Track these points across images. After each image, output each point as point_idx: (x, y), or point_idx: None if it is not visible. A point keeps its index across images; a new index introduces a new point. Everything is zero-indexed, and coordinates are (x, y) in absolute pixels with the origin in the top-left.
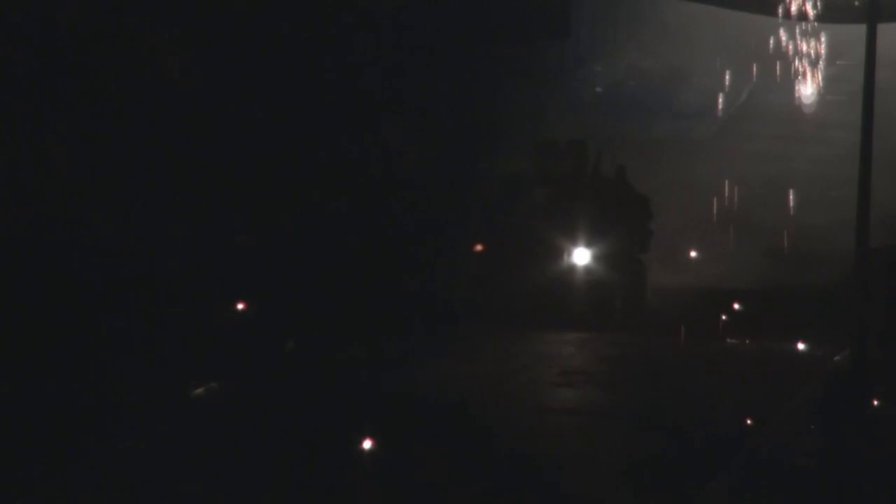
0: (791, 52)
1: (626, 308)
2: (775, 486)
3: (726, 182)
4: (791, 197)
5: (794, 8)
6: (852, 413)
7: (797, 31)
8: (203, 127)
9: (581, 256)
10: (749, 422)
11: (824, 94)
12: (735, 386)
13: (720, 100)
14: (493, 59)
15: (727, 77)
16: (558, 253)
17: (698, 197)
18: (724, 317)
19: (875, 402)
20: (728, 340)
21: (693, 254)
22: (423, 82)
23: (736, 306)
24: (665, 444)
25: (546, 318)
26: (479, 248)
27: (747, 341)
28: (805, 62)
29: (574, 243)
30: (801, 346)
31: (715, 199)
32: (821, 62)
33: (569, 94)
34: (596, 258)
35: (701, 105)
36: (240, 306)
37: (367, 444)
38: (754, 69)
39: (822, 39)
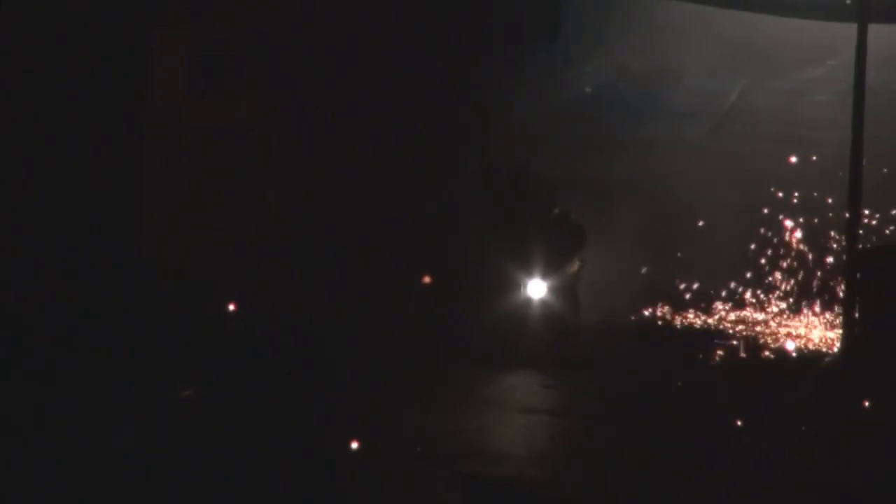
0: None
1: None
2: (766, 487)
3: (703, 184)
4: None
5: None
6: (844, 413)
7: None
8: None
9: (532, 290)
10: (739, 423)
11: (814, 94)
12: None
13: (710, 100)
14: (481, 61)
15: (718, 77)
16: (506, 287)
17: (671, 199)
18: None
19: (865, 403)
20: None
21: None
22: (406, 87)
23: None
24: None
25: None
26: (426, 280)
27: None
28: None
29: (524, 276)
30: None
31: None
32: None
33: (557, 96)
34: (545, 291)
35: (691, 105)
36: None
37: None
38: (745, 69)
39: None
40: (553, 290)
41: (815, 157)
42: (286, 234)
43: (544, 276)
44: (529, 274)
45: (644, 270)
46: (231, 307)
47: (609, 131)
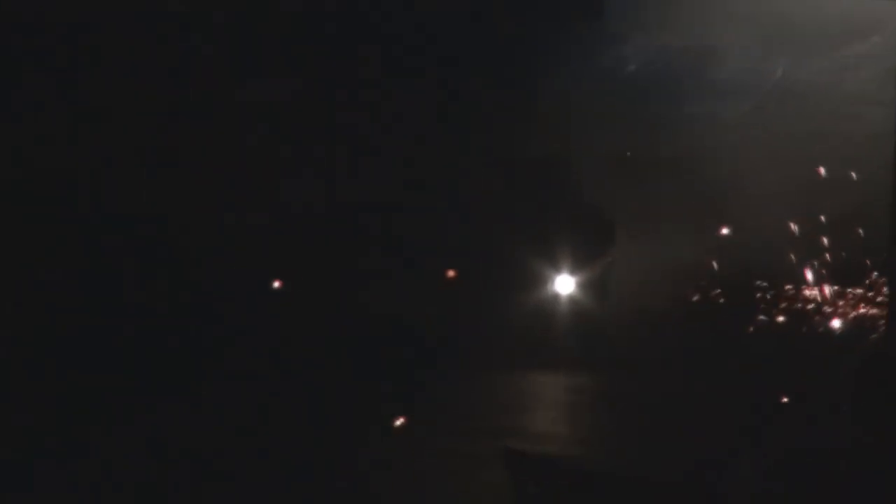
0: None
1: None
2: (807, 469)
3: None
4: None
5: None
6: (888, 395)
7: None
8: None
9: (560, 285)
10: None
11: (859, 70)
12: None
13: (753, 77)
14: (524, 41)
15: (761, 54)
16: (532, 283)
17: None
18: None
19: None
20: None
21: None
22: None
23: None
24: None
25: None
26: (448, 274)
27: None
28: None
29: (551, 271)
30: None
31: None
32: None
33: (601, 75)
34: (574, 287)
35: (734, 83)
36: None
37: None
38: (788, 46)
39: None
40: (582, 286)
41: (859, 135)
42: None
43: (573, 271)
44: (557, 269)
45: (688, 251)
46: (277, 284)
47: (652, 109)
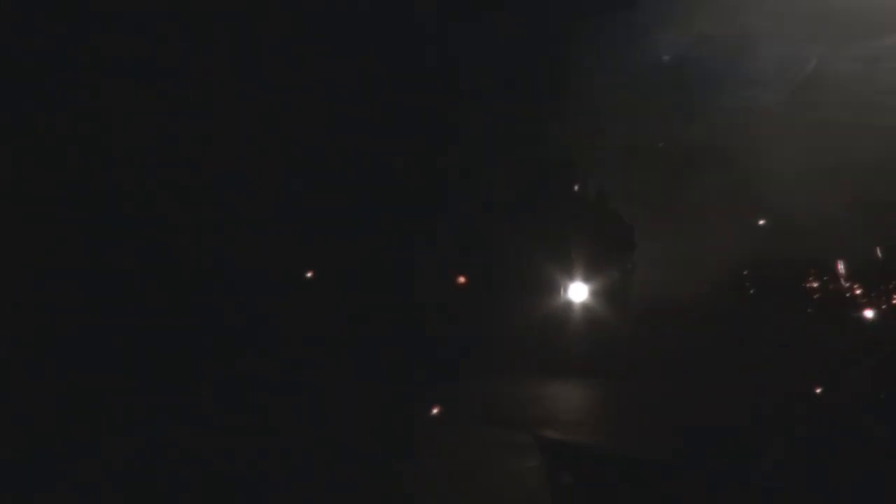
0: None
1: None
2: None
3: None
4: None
5: None
6: None
7: None
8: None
9: (573, 293)
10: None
11: (892, 60)
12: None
13: (788, 67)
14: (558, 32)
15: (795, 44)
16: (544, 290)
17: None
18: None
19: None
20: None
21: None
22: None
23: None
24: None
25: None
26: (459, 281)
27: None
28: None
29: (565, 278)
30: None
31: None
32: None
33: (634, 65)
34: (588, 295)
35: (769, 72)
36: None
37: None
38: (823, 35)
39: None
40: (597, 294)
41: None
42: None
43: (587, 278)
44: (570, 276)
45: (725, 241)
46: (309, 275)
47: (686, 99)
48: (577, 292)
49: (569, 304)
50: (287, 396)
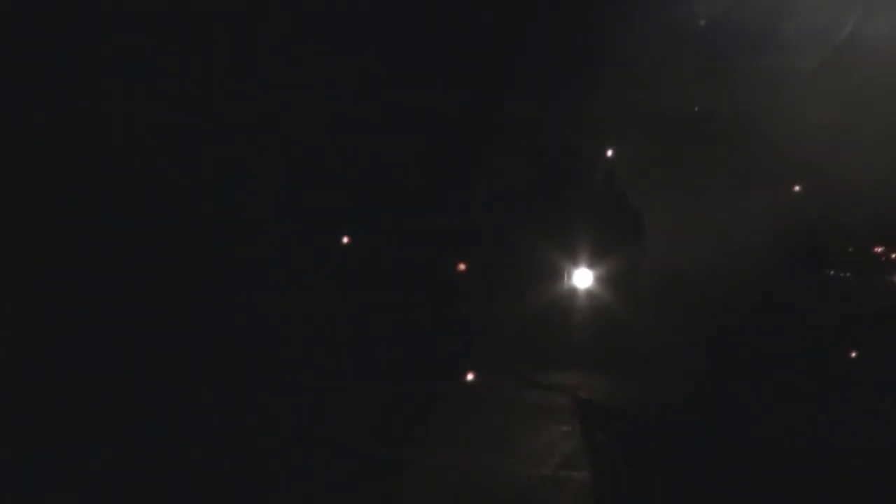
0: None
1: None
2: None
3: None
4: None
5: None
6: None
7: None
8: None
9: (577, 280)
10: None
11: None
12: None
13: (824, 31)
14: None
15: (831, 8)
16: (546, 277)
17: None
18: None
19: None
20: None
21: None
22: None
23: None
24: None
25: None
26: (459, 269)
27: None
28: None
29: (569, 265)
30: None
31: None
32: None
33: (671, 28)
34: (593, 282)
35: (805, 37)
36: None
37: None
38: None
39: None
40: (603, 281)
41: None
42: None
43: (592, 264)
44: (575, 262)
45: (760, 207)
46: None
47: (722, 63)
48: (583, 280)
49: (574, 291)
50: (287, 396)
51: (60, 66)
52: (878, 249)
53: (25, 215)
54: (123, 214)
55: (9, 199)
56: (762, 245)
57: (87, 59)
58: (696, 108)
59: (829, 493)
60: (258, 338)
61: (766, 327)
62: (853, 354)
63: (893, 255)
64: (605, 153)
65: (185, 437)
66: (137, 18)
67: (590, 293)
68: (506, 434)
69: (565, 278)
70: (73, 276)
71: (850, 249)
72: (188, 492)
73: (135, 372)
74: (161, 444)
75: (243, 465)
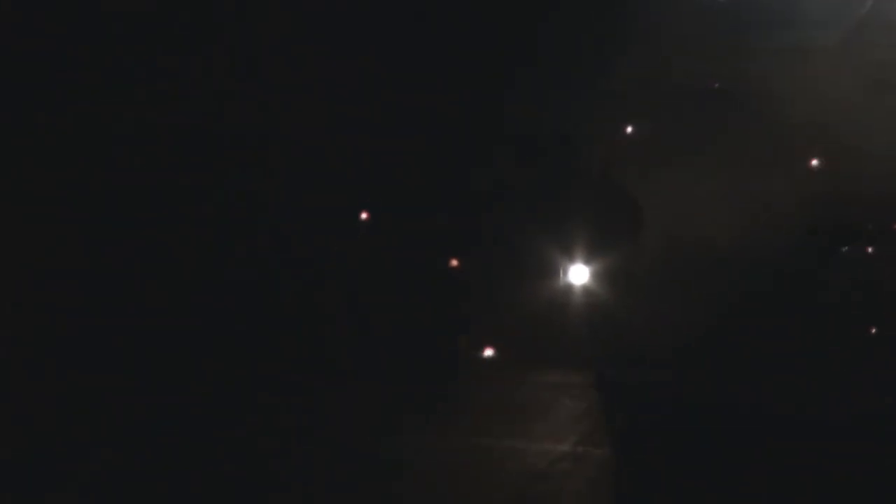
0: None
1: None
2: None
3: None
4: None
5: None
6: None
7: None
8: None
9: (573, 275)
10: None
11: None
12: None
13: (845, 7)
14: None
15: None
16: (540, 273)
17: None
18: None
19: None
20: None
21: None
22: None
23: None
24: None
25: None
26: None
27: None
28: None
29: (564, 260)
30: None
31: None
32: None
33: (691, 4)
34: (589, 277)
35: (825, 12)
36: None
37: None
38: None
39: None
40: (600, 277)
41: None
42: None
43: (588, 259)
44: (570, 257)
45: (780, 183)
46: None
47: (742, 39)
48: (575, 274)
49: (565, 287)
50: (287, 396)
51: (60, 66)
52: None
53: (25, 215)
54: (123, 214)
55: (9, 199)
56: (781, 221)
57: (87, 59)
58: (717, 85)
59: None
60: (258, 338)
61: (783, 305)
62: (873, 331)
63: None
64: (605, 142)
65: (185, 437)
66: (137, 18)
67: (586, 290)
68: (520, 414)
69: (560, 275)
70: (73, 276)
71: (870, 226)
72: (188, 492)
73: (135, 372)
74: (161, 444)
75: (243, 465)
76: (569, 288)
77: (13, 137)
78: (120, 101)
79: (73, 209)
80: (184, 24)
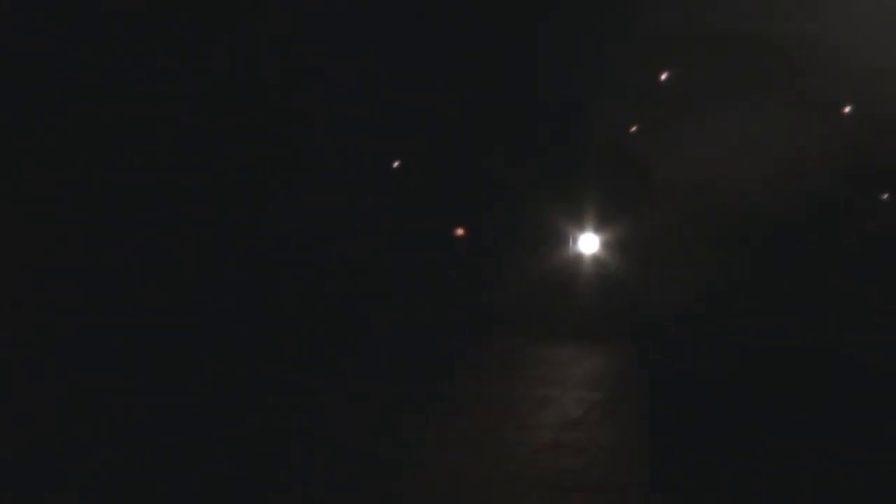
0: None
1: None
2: None
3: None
4: None
5: None
6: None
7: None
8: None
9: (583, 245)
10: None
11: None
12: None
13: None
14: None
15: None
16: (551, 242)
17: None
18: None
19: None
20: None
21: None
22: None
23: None
24: None
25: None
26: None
27: None
28: None
29: (574, 229)
30: None
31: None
32: None
33: None
34: (600, 246)
35: None
36: None
37: None
38: None
39: None
40: (611, 246)
41: None
42: None
43: (598, 228)
44: (580, 226)
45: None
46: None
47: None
48: (585, 244)
49: (575, 257)
50: (287, 396)
51: (60, 66)
52: None
53: (25, 215)
54: (123, 214)
55: (9, 199)
56: (813, 170)
57: (87, 59)
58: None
59: None
60: (258, 338)
61: (817, 255)
62: None
63: None
64: (612, 111)
65: (185, 437)
66: (137, 18)
67: (596, 259)
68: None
69: (570, 243)
70: (73, 276)
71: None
72: (188, 492)
73: (135, 372)
74: (161, 444)
75: (243, 465)
76: (578, 257)
77: (13, 137)
78: (120, 101)
79: (73, 209)
80: (184, 24)
